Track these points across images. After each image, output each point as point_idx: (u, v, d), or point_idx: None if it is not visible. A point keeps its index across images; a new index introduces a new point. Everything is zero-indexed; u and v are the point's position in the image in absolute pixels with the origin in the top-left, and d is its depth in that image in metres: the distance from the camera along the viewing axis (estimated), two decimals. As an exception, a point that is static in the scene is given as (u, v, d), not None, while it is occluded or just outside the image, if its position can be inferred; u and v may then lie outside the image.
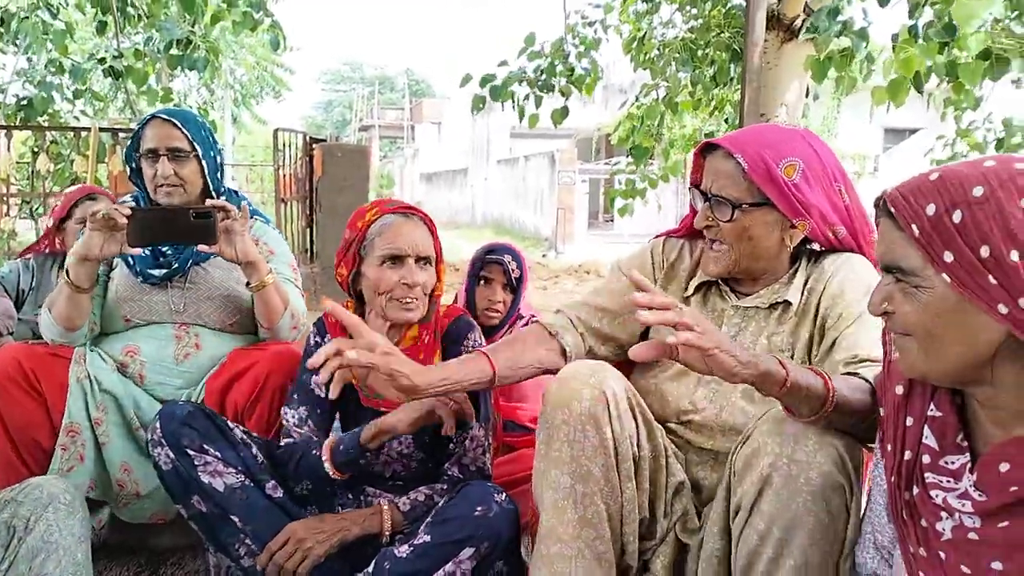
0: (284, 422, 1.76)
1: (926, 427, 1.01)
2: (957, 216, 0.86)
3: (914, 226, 0.90)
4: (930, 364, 0.94)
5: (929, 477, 0.98)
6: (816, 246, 1.60)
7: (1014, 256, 0.83)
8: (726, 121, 6.87)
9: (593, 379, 1.41)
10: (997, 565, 0.87)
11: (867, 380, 1.30)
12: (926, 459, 0.99)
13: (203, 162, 2.05)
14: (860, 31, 3.95)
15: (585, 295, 1.74)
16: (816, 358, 1.49)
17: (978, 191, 0.86)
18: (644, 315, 1.14)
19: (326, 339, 1.77)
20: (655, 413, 1.56)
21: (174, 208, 1.95)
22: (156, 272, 2.00)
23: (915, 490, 1.00)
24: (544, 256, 14.41)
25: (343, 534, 1.61)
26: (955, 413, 0.99)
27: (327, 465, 1.61)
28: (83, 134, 6.00)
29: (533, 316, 2.46)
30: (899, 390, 1.05)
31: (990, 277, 0.85)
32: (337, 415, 1.84)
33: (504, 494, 1.59)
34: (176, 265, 2.01)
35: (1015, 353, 0.88)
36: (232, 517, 1.59)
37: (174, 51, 5.44)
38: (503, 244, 2.45)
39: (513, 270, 2.36)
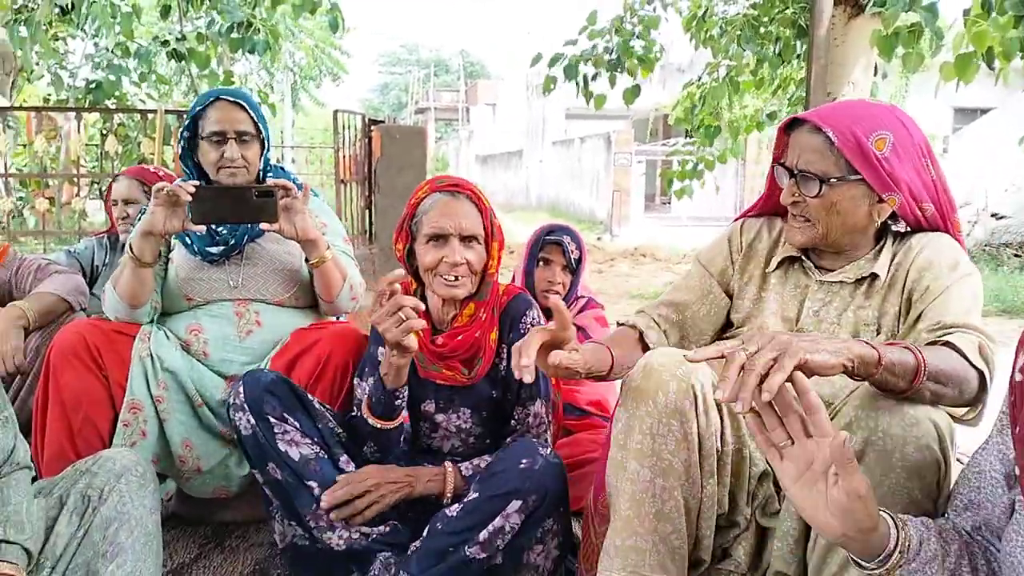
0: (356, 392, 1.79)
1: None
2: None
3: None
4: None
5: None
6: (902, 226, 1.56)
7: None
8: (790, 100, 6.70)
9: (680, 371, 1.37)
10: None
11: (955, 347, 1.27)
12: None
13: (266, 144, 2.08)
14: (929, 5, 3.79)
15: (666, 292, 1.72)
16: (902, 331, 1.45)
17: None
18: (719, 394, 1.06)
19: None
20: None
21: (238, 187, 1.97)
22: (214, 250, 2.03)
23: None
24: (599, 239, 14.31)
25: (409, 488, 1.65)
26: None
27: (369, 419, 1.64)
28: (150, 116, 6.14)
29: (591, 298, 2.44)
30: None
31: None
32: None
33: (549, 448, 1.60)
34: (233, 242, 2.04)
35: None
36: (309, 483, 1.62)
37: (235, 34, 5.53)
38: (562, 225, 2.44)
39: (572, 251, 2.34)
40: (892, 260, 1.50)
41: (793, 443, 1.05)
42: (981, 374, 1.28)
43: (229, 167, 2.01)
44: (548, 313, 2.32)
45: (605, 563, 1.39)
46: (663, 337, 1.63)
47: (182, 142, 2.07)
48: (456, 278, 1.65)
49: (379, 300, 1.49)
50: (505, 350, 1.76)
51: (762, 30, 5.72)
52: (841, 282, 1.53)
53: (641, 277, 9.13)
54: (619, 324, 1.69)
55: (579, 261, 2.37)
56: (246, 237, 2.06)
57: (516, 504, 1.51)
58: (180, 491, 2.17)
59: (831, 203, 1.45)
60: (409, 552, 1.59)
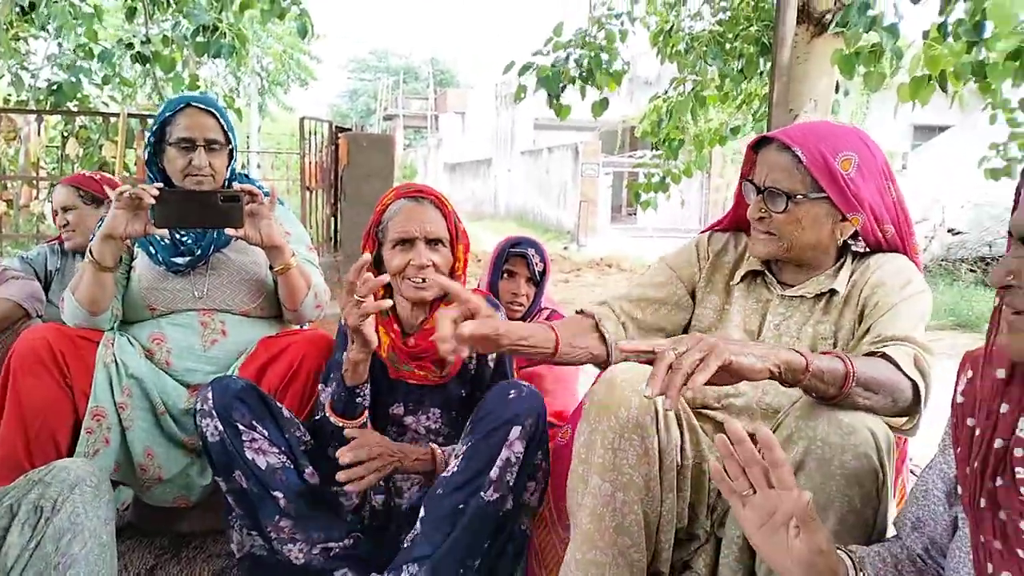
0: (320, 399, 1.79)
1: (1022, 419, 0.97)
2: None
3: None
4: None
5: (1020, 472, 0.95)
6: (861, 246, 1.60)
7: None
8: (753, 115, 6.81)
9: (643, 386, 1.39)
10: None
11: (890, 357, 1.32)
12: (1019, 452, 0.96)
13: (233, 153, 2.07)
14: (890, 27, 3.89)
15: (628, 287, 1.75)
16: (852, 344, 1.50)
17: None
18: (648, 390, 1.15)
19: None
20: (696, 399, 1.58)
21: (203, 191, 1.95)
22: (179, 260, 2.01)
23: (999, 481, 0.97)
24: (566, 248, 14.38)
25: (398, 463, 1.65)
26: None
27: (332, 417, 1.65)
28: (112, 119, 6.06)
29: (554, 310, 2.46)
30: (1000, 374, 1.00)
31: None
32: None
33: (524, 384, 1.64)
34: (199, 252, 2.02)
35: None
36: (276, 494, 1.61)
37: (200, 38, 5.48)
38: (526, 237, 2.45)
39: (536, 263, 2.36)
40: (851, 277, 1.55)
41: (755, 492, 1.08)
42: (915, 384, 1.32)
43: (196, 175, 1.99)
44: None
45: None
46: (621, 329, 1.63)
47: (148, 147, 2.05)
48: (423, 280, 1.68)
49: (347, 288, 1.50)
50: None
51: (727, 46, 5.81)
52: (801, 297, 1.57)
53: (607, 287, 9.19)
54: (576, 312, 1.70)
55: (543, 273, 2.39)
56: (212, 247, 2.04)
57: (516, 431, 1.54)
58: (137, 500, 2.14)
59: (796, 219, 1.49)
60: (413, 535, 1.57)
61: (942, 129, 14.14)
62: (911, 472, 2.94)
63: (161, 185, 1.91)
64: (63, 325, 1.98)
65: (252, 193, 1.92)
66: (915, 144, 15.08)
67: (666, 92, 6.46)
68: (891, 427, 1.34)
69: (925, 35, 3.97)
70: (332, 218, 6.55)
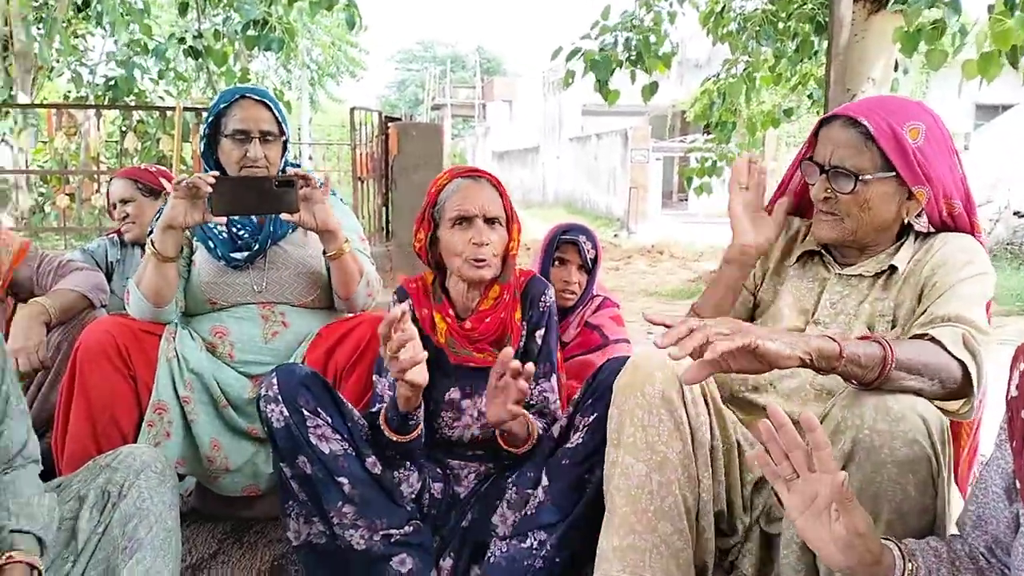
0: (374, 390, 1.80)
1: None
2: None
3: None
4: None
5: None
6: (925, 225, 1.54)
7: None
8: (809, 96, 6.66)
9: (668, 360, 1.38)
10: None
11: (935, 339, 1.28)
12: None
13: (287, 144, 2.08)
14: (953, 2, 3.75)
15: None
16: (909, 324, 1.45)
17: None
18: (671, 351, 1.16)
19: (407, 303, 1.78)
20: (726, 385, 1.56)
21: (258, 177, 1.96)
22: (237, 255, 2.03)
23: None
24: (616, 236, 14.28)
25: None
26: None
27: (386, 431, 1.65)
28: (168, 113, 6.19)
29: (606, 297, 2.43)
30: None
31: None
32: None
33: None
34: (257, 247, 2.04)
35: None
36: (340, 479, 1.62)
37: (251, 32, 5.55)
38: (577, 224, 2.43)
39: (588, 251, 2.34)
40: (913, 255, 1.49)
41: (799, 477, 1.08)
42: (964, 365, 1.27)
43: (251, 166, 2.01)
44: (563, 314, 2.33)
45: (603, 568, 1.37)
46: None
47: (203, 139, 2.07)
48: (483, 259, 1.69)
49: (383, 339, 1.47)
50: (525, 328, 1.81)
51: (780, 26, 5.68)
52: (860, 275, 1.53)
53: (658, 275, 9.10)
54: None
55: (595, 261, 2.36)
56: (269, 241, 2.06)
57: None
58: (199, 487, 2.18)
59: (864, 200, 1.44)
60: (535, 502, 1.59)
61: (1005, 108, 13.63)
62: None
63: (217, 173, 1.91)
64: (126, 317, 2.01)
65: (306, 178, 1.92)
66: (977, 124, 14.58)
67: (717, 75, 6.35)
68: (946, 411, 1.30)
69: (990, 9, 3.81)
70: (383, 207, 6.59)
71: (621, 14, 5.59)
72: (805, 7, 5.54)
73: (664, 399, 1.37)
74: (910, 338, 1.33)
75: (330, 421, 1.64)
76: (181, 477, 2.03)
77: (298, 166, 2.19)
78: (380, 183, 6.51)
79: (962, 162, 1.49)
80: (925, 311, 1.40)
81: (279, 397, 1.61)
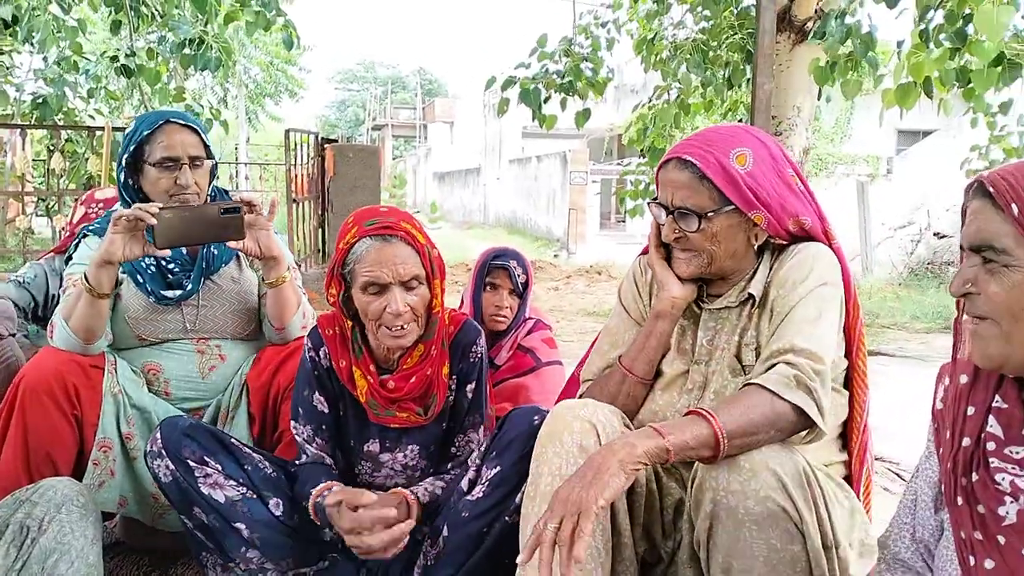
0: (295, 437, 1.74)
1: (991, 417, 1.02)
2: None
3: (1014, 206, 0.92)
4: (1012, 348, 0.95)
5: (994, 462, 1.00)
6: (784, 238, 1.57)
7: None
8: (740, 122, 6.86)
9: (584, 411, 1.42)
10: None
11: (764, 386, 1.30)
12: (991, 446, 1.01)
13: (213, 167, 2.02)
14: (866, 36, 3.93)
15: (602, 347, 1.71)
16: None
17: None
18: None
19: (321, 352, 1.72)
20: (652, 415, 1.58)
21: (203, 206, 1.89)
22: (169, 294, 1.95)
23: (974, 476, 1.01)
24: (556, 256, 14.40)
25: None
26: (1021, 406, 1.01)
27: (312, 513, 1.61)
28: (97, 133, 6.04)
29: (539, 320, 2.46)
30: (963, 379, 1.06)
31: None
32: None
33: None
34: (190, 287, 1.97)
35: None
36: (237, 525, 1.60)
37: (187, 51, 5.47)
38: (508, 249, 2.45)
39: (519, 275, 2.36)
40: (767, 276, 1.52)
41: None
42: (798, 405, 1.29)
43: (182, 194, 1.91)
44: (495, 338, 2.35)
45: None
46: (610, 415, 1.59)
47: (121, 169, 1.96)
48: (401, 328, 1.58)
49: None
50: (455, 381, 1.74)
51: (711, 54, 5.85)
52: (727, 307, 1.55)
53: (596, 295, 9.21)
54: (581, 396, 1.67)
55: (525, 285, 2.38)
56: (202, 279, 1.99)
57: None
58: (124, 518, 2.13)
59: (712, 234, 1.47)
60: (435, 552, 1.58)
61: (926, 134, 14.26)
62: (897, 475, 2.97)
63: (161, 204, 1.82)
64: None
65: (251, 204, 1.88)
66: (900, 149, 15.20)
67: (650, 100, 6.50)
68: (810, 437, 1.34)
69: (899, 44, 4.01)
70: (319, 229, 6.54)
71: (560, 40, 5.69)
72: (735, 37, 5.72)
73: (581, 448, 1.38)
74: (742, 387, 1.35)
75: (221, 468, 1.62)
76: (111, 515, 1.97)
77: (226, 192, 2.14)
78: (316, 204, 6.46)
79: (802, 176, 1.52)
80: (772, 337, 1.42)
81: (163, 451, 1.59)
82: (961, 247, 1.01)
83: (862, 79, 4.02)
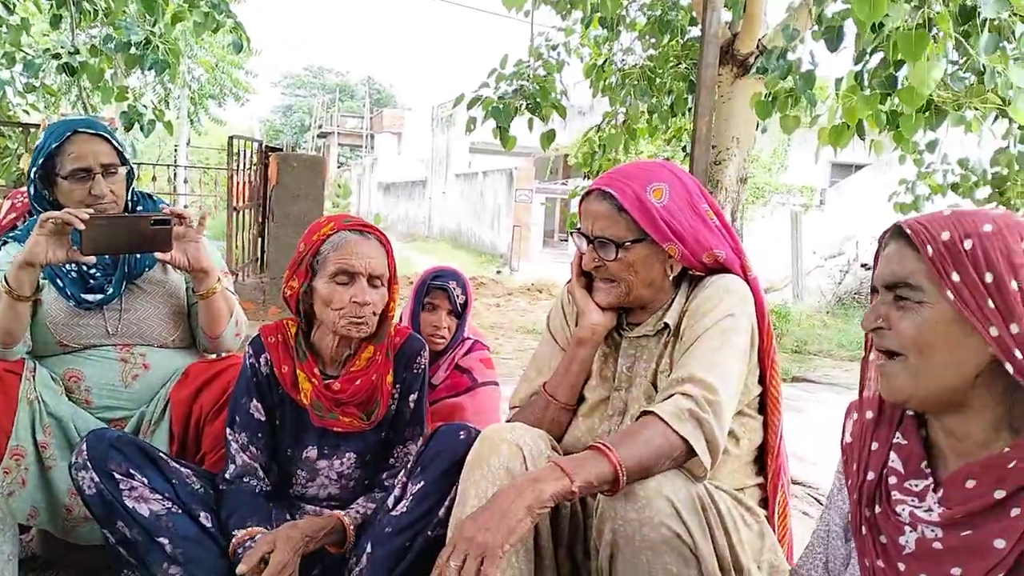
0: (229, 447, 1.72)
1: (892, 452, 1.08)
2: (968, 243, 0.96)
3: (928, 247, 0.98)
4: (918, 384, 1.00)
5: (895, 495, 1.05)
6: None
7: (1014, 285, 0.93)
8: (684, 149, 7.02)
9: (511, 435, 1.45)
10: (956, 571, 0.95)
11: (656, 412, 1.35)
12: (892, 480, 1.06)
13: (130, 173, 1.98)
14: (806, 74, 4.08)
15: (530, 373, 1.75)
16: None
17: (988, 227, 0.96)
18: None
19: (262, 359, 1.74)
20: (575, 442, 1.61)
21: (133, 216, 1.87)
22: (90, 298, 1.91)
23: (877, 508, 1.07)
24: (499, 272, 14.44)
25: (306, 549, 1.61)
26: (920, 444, 1.06)
27: (231, 554, 1.59)
28: (32, 130, 5.86)
29: (477, 340, 2.48)
30: (869, 415, 1.13)
31: (989, 301, 0.94)
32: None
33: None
34: (111, 291, 1.94)
35: (992, 381, 0.97)
36: (160, 540, 1.57)
37: (133, 51, 5.34)
38: (448, 269, 2.46)
39: (458, 296, 2.36)
40: (683, 307, 1.58)
41: None
42: (685, 438, 1.34)
43: (98, 204, 1.88)
44: (433, 358, 2.36)
45: None
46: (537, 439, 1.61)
47: (32, 182, 1.91)
48: (362, 318, 1.64)
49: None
50: (398, 390, 1.78)
51: (657, 82, 5.99)
52: (645, 335, 1.61)
53: (536, 313, 9.26)
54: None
55: (464, 305, 2.39)
56: (124, 282, 1.96)
57: None
58: (43, 532, 2.06)
59: (628, 264, 1.53)
60: (359, 569, 1.58)
61: (858, 167, 14.80)
62: (818, 500, 3.06)
63: (91, 210, 1.80)
64: None
65: (181, 216, 1.86)
66: (833, 181, 15.74)
67: (599, 126, 6.61)
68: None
69: (838, 84, 4.17)
70: (259, 238, 6.44)
71: (515, 63, 5.75)
72: (680, 67, 5.87)
73: (508, 472, 1.41)
74: (639, 416, 1.40)
75: (147, 482, 1.60)
76: (26, 529, 1.91)
77: (150, 196, 2.10)
78: (257, 212, 6.37)
79: (718, 211, 1.59)
80: (673, 371, 1.47)
81: (88, 464, 1.57)
82: (873, 288, 1.07)
83: (800, 115, 4.17)
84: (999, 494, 0.91)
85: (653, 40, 6.00)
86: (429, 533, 1.55)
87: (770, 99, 4.09)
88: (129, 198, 2.01)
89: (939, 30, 3.23)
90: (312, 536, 1.61)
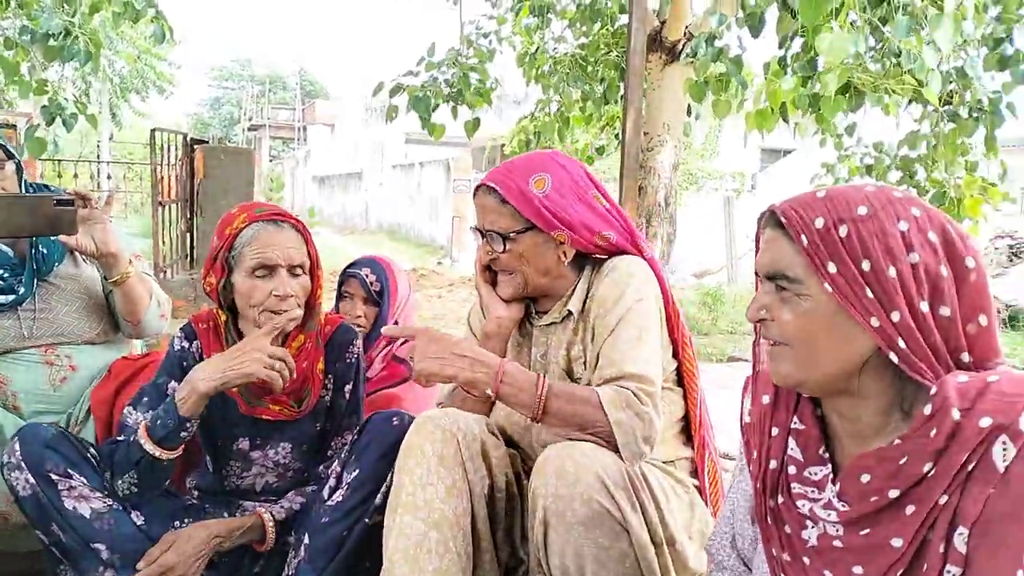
0: (126, 423, 1.63)
1: (790, 438, 1.06)
2: (843, 230, 0.93)
3: (803, 237, 0.95)
4: (804, 372, 0.98)
5: (795, 488, 1.03)
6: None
7: (892, 272, 0.90)
8: (616, 136, 7.09)
9: (444, 420, 1.46)
10: (858, 570, 0.94)
11: (600, 399, 1.40)
12: (792, 470, 1.04)
13: (18, 167, 1.90)
14: (735, 58, 4.17)
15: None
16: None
17: (863, 210, 0.93)
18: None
19: (194, 345, 1.70)
20: (513, 425, 1.64)
21: (35, 196, 1.78)
22: (1, 299, 1.84)
23: (780, 498, 1.05)
24: (439, 263, 14.39)
25: (218, 547, 1.59)
26: (817, 426, 1.04)
27: (147, 444, 1.52)
28: (-61, 127, 5.58)
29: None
30: (765, 399, 1.10)
31: (868, 290, 0.91)
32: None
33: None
34: (23, 291, 1.86)
35: (879, 368, 0.94)
36: (96, 546, 1.53)
37: (52, 42, 5.13)
38: (368, 258, 2.42)
39: (372, 283, 2.33)
40: (587, 291, 1.61)
41: None
42: (613, 425, 1.38)
43: None
44: (366, 344, 2.33)
45: None
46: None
47: None
48: (284, 311, 1.60)
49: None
50: (331, 380, 1.76)
51: (589, 70, 6.04)
52: (553, 322, 1.64)
53: (477, 302, 9.27)
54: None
55: (380, 292, 2.34)
56: (35, 281, 1.88)
57: None
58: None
59: (519, 254, 1.57)
60: (296, 561, 1.56)
61: (787, 152, 15.18)
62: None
63: None
64: None
65: (84, 197, 1.79)
66: (763, 166, 16.12)
67: (532, 114, 6.62)
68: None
69: (766, 68, 4.27)
70: (188, 234, 6.28)
71: (447, 51, 5.71)
72: (611, 54, 5.92)
73: (442, 458, 1.42)
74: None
75: (85, 480, 1.54)
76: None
77: (47, 187, 2.02)
78: (185, 207, 6.20)
79: (608, 195, 1.62)
80: (599, 357, 1.50)
81: (22, 464, 1.51)
82: (756, 274, 1.05)
83: (731, 100, 4.27)
84: (893, 493, 0.90)
85: (584, 28, 6.04)
86: (366, 521, 1.54)
87: (703, 82, 4.17)
88: (24, 192, 1.92)
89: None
90: (224, 536, 1.60)
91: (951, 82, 4.10)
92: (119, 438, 1.61)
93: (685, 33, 4.93)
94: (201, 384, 1.51)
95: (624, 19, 5.58)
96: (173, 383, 1.66)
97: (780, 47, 4.27)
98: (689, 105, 5.29)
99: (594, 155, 7.02)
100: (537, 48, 6.24)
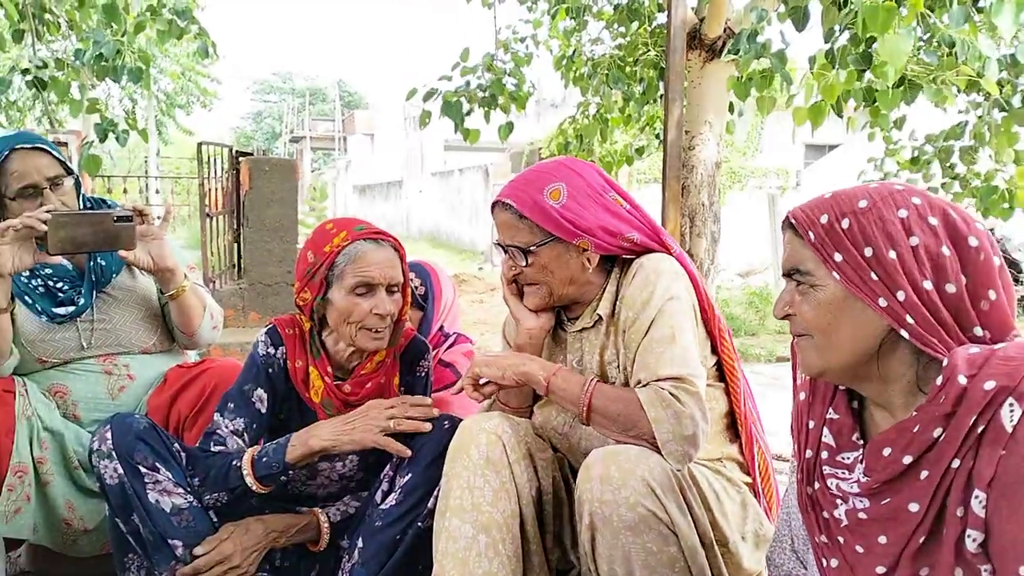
0: (216, 431, 1.68)
1: (825, 428, 1.12)
2: (846, 223, 1.00)
3: (810, 232, 1.03)
4: (826, 359, 1.04)
5: (827, 470, 1.09)
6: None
7: (892, 255, 0.97)
8: (656, 136, 7.03)
9: (489, 424, 1.46)
10: (883, 539, 0.98)
11: (639, 398, 1.38)
12: (824, 455, 1.11)
13: (77, 182, 1.95)
14: (779, 53, 4.08)
15: None
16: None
17: (863, 203, 1.01)
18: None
19: (279, 351, 1.73)
20: (552, 430, 1.63)
21: (96, 212, 1.84)
22: (60, 311, 1.89)
23: (816, 484, 1.11)
24: (480, 269, 14.42)
25: (274, 545, 1.62)
26: (851, 415, 1.10)
27: (248, 478, 1.57)
28: None
29: (460, 334, 2.46)
30: (802, 396, 1.17)
31: (872, 273, 0.98)
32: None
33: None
34: (83, 302, 1.91)
35: (895, 346, 1.00)
36: (173, 542, 1.55)
37: (104, 62, 5.26)
38: (411, 262, 2.43)
39: (417, 287, 2.34)
40: (617, 293, 1.59)
41: None
42: (652, 423, 1.37)
43: None
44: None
45: None
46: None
47: None
48: (382, 330, 1.65)
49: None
50: (402, 392, 1.77)
51: (627, 70, 5.99)
52: (584, 328, 1.62)
53: (519, 307, 9.26)
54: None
55: (425, 296, 2.36)
56: (94, 292, 1.93)
57: None
58: (29, 545, 2.03)
59: (543, 266, 1.55)
60: (351, 565, 1.58)
61: (831, 148, 14.90)
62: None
63: (52, 208, 1.78)
64: None
65: (143, 213, 1.84)
66: (807, 162, 15.84)
67: (573, 117, 6.60)
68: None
69: (811, 61, 4.19)
70: (235, 244, 6.38)
71: (483, 55, 5.72)
72: (649, 54, 5.87)
73: (489, 460, 1.42)
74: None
75: (171, 476, 1.58)
76: (16, 544, 1.87)
77: (107, 203, 2.07)
78: (231, 219, 6.31)
79: (629, 196, 1.60)
80: (635, 361, 1.48)
81: (113, 453, 1.54)
82: (784, 274, 1.12)
83: (776, 95, 4.19)
84: (907, 459, 0.95)
85: (621, 28, 6.00)
86: (419, 524, 1.55)
87: (747, 79, 4.10)
88: (82, 206, 1.98)
89: (905, 4, 3.25)
90: (281, 532, 1.62)
91: (1002, 70, 3.98)
92: (214, 448, 1.65)
93: (725, 29, 4.86)
94: (314, 441, 1.56)
95: (662, 18, 5.53)
96: (259, 390, 1.69)
97: (826, 40, 4.18)
98: (731, 102, 5.22)
99: (634, 156, 6.97)
100: (574, 51, 6.21)
